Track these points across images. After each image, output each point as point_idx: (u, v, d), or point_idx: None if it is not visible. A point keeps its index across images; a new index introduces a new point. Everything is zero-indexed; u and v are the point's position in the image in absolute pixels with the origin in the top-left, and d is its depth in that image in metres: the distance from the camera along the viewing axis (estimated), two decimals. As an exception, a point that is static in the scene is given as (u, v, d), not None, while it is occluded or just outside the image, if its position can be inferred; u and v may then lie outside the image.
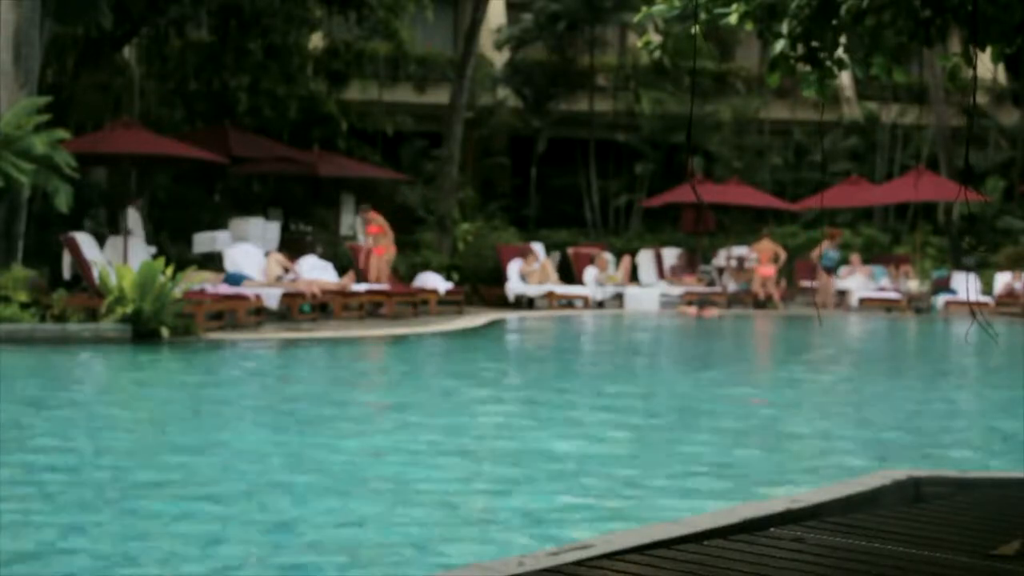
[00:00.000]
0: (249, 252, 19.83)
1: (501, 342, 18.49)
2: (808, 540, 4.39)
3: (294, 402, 11.25)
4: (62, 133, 17.42)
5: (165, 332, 15.34)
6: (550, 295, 23.91)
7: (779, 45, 5.72)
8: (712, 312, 23.66)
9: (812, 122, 30.98)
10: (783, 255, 26.33)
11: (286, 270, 19.71)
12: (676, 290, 25.40)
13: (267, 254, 20.06)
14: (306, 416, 10.34)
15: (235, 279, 18.73)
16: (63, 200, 16.91)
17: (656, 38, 6.71)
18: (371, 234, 21.57)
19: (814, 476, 7.84)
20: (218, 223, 22.61)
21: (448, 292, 21.70)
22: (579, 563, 4.18)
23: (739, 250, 26.51)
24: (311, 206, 25.90)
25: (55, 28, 20.55)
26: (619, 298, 24.85)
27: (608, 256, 25.62)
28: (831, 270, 25.26)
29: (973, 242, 28.15)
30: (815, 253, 25.34)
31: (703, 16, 5.89)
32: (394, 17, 25.99)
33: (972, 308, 5.46)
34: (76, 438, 9.06)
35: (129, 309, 15.27)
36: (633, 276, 26.01)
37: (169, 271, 15.71)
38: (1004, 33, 5.66)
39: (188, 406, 10.96)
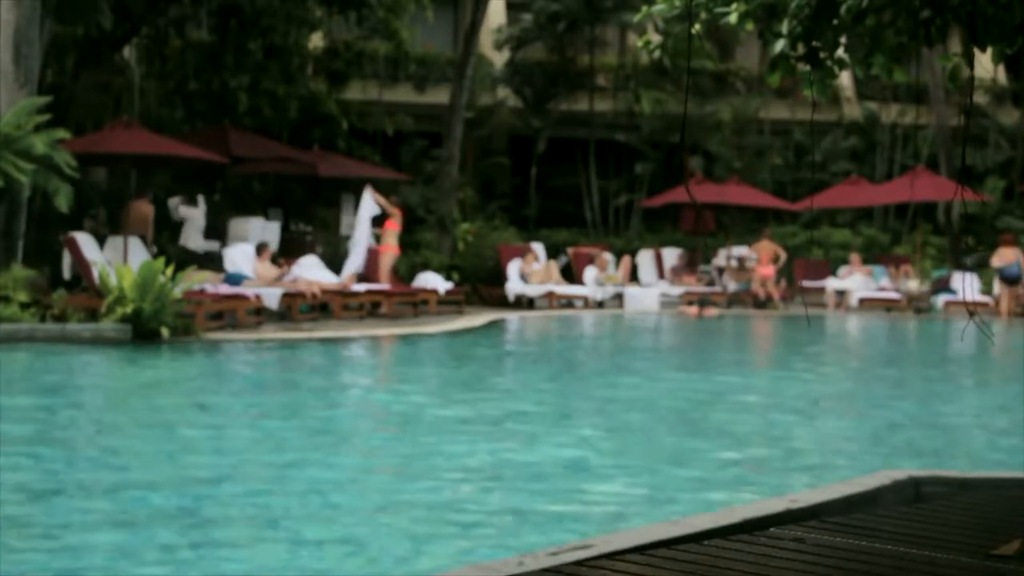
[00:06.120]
0: (248, 252, 19.83)
1: (501, 342, 18.49)
2: (808, 540, 4.39)
3: (294, 402, 11.25)
4: (62, 133, 17.43)
5: (165, 332, 15.34)
6: (550, 295, 23.91)
7: (779, 45, 5.72)
8: (712, 312, 23.66)
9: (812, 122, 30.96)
10: (783, 255, 26.33)
11: (280, 269, 19.70)
12: (676, 290, 25.40)
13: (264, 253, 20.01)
14: (307, 416, 10.34)
15: (235, 279, 18.73)
16: (63, 200, 16.92)
17: (656, 38, 6.71)
18: (386, 228, 21.52)
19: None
20: (218, 223, 22.63)
21: (448, 292, 21.69)
22: (579, 563, 4.18)
23: (739, 250, 26.51)
24: (311, 206, 25.89)
25: (55, 28, 20.55)
26: (619, 298, 24.85)
27: (608, 256, 25.61)
28: (1014, 279, 24.48)
29: (973, 242, 28.16)
30: (1002, 261, 24.58)
31: (703, 16, 5.90)
32: (394, 17, 25.99)
33: (969, 308, 5.45)
34: (74, 437, 9.06)
35: (129, 309, 15.26)
36: (633, 276, 26.01)
37: (169, 271, 15.70)
38: (1004, 33, 5.65)
39: (188, 406, 10.96)
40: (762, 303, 25.42)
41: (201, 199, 22.64)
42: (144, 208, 20.63)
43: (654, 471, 8.08)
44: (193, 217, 22.02)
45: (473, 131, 29.57)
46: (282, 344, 16.03)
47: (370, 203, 21.17)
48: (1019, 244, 25.48)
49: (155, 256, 17.59)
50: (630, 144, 30.95)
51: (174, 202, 22.46)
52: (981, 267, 26.39)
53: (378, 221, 21.52)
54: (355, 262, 20.80)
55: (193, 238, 21.69)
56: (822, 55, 5.73)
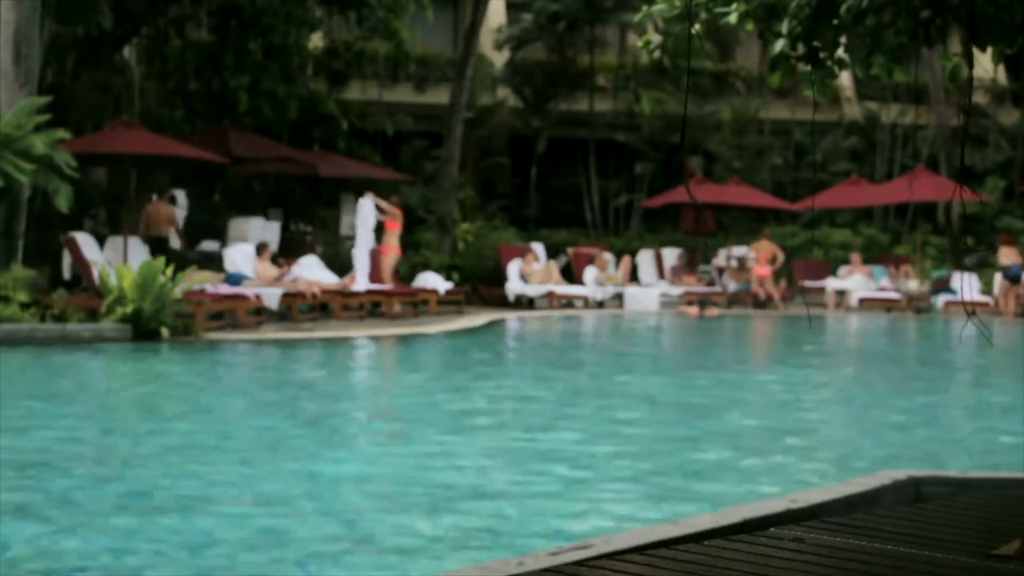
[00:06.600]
0: (249, 252, 19.84)
1: (501, 342, 18.49)
2: (808, 540, 4.39)
3: (295, 402, 11.25)
4: (62, 133, 17.43)
5: (165, 332, 15.35)
6: (550, 295, 23.92)
7: (779, 45, 5.72)
8: (713, 312, 23.67)
9: (812, 122, 30.96)
10: (781, 256, 26.35)
11: (280, 269, 19.71)
12: (676, 290, 25.41)
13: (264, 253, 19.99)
14: (308, 415, 10.35)
15: (235, 279, 18.73)
16: (63, 200, 16.93)
17: (656, 38, 6.70)
18: (387, 228, 21.50)
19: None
20: (218, 223, 22.65)
21: (448, 292, 21.69)
22: (579, 563, 4.18)
23: (739, 250, 26.52)
24: (311, 206, 25.89)
25: (55, 28, 20.56)
26: (619, 298, 24.86)
27: (608, 256, 25.62)
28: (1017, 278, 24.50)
29: (973, 242, 28.18)
30: (1008, 259, 24.54)
31: (703, 16, 5.90)
32: (394, 17, 25.99)
33: (966, 308, 5.46)
34: (75, 437, 9.06)
35: (129, 309, 15.27)
36: (633, 276, 26.02)
37: (169, 271, 15.71)
38: (1004, 33, 5.65)
39: (188, 406, 10.96)
40: (762, 303, 25.43)
41: (181, 197, 22.60)
42: (165, 209, 20.79)
43: (663, 469, 8.08)
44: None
45: (473, 131, 29.57)
46: (282, 344, 16.03)
47: (372, 210, 21.13)
48: (1018, 244, 25.50)
49: (181, 253, 17.68)
50: (630, 144, 30.95)
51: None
52: (981, 267, 26.40)
53: (379, 224, 21.52)
54: (361, 269, 20.76)
55: (171, 238, 21.58)
56: (822, 55, 5.73)
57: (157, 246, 19.39)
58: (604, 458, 8.50)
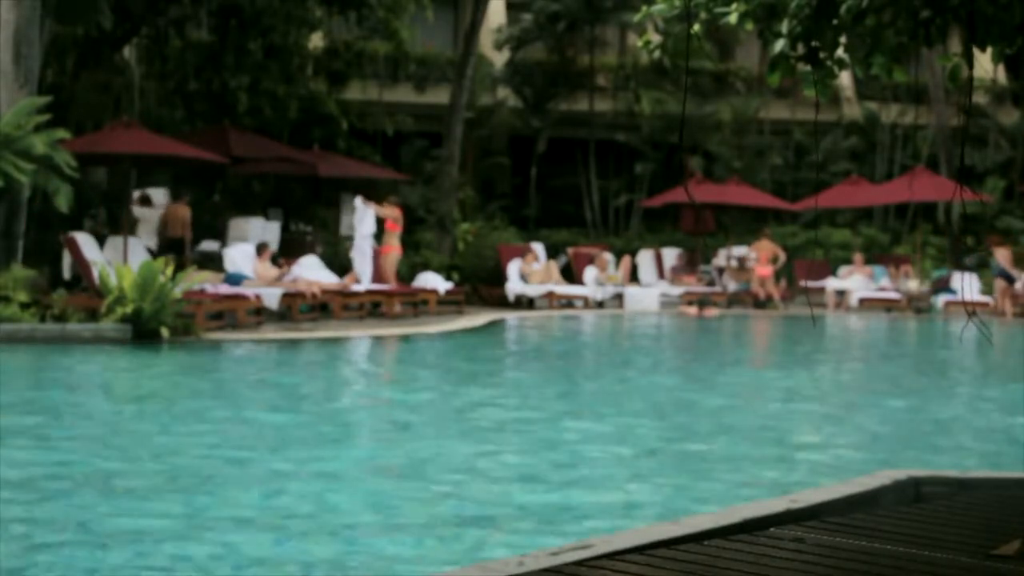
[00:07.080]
0: (249, 252, 19.84)
1: (501, 342, 18.49)
2: (808, 540, 4.39)
3: (295, 402, 11.25)
4: (62, 133, 17.43)
5: (165, 332, 15.34)
6: (550, 295, 23.92)
7: (779, 45, 5.72)
8: (713, 312, 23.67)
9: (812, 122, 30.99)
10: (782, 256, 26.34)
11: (280, 269, 19.71)
12: (676, 290, 25.41)
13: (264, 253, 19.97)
14: (309, 415, 10.35)
15: (235, 279, 18.73)
16: (63, 200, 16.93)
17: (656, 38, 6.70)
18: (388, 229, 21.47)
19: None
20: (218, 223, 22.64)
21: (448, 292, 21.69)
22: (579, 563, 4.18)
23: (739, 250, 26.52)
24: (311, 206, 25.89)
25: (55, 28, 20.56)
26: (619, 298, 24.86)
27: (608, 256, 25.62)
28: (1006, 279, 24.52)
29: (973, 242, 28.17)
30: (1002, 260, 24.59)
31: (703, 16, 5.89)
32: (394, 17, 25.99)
33: (966, 308, 5.46)
34: (75, 438, 9.06)
35: (129, 309, 15.27)
36: (633, 276, 26.01)
37: (169, 271, 15.71)
38: (1004, 33, 5.65)
39: (188, 406, 10.96)
40: (762, 303, 25.43)
41: (159, 196, 22.54)
42: (182, 211, 20.82)
43: (666, 468, 8.09)
44: (147, 218, 21.86)
45: (473, 131, 29.57)
46: (282, 344, 16.03)
47: (368, 214, 21.10)
48: (1017, 244, 25.47)
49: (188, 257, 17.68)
50: (630, 144, 30.95)
51: (136, 196, 22.33)
52: (981, 267, 26.40)
53: (379, 224, 21.50)
54: (363, 270, 20.74)
55: (145, 239, 21.49)
56: (822, 55, 5.72)
57: (172, 248, 19.41)
58: (605, 455, 8.51)
